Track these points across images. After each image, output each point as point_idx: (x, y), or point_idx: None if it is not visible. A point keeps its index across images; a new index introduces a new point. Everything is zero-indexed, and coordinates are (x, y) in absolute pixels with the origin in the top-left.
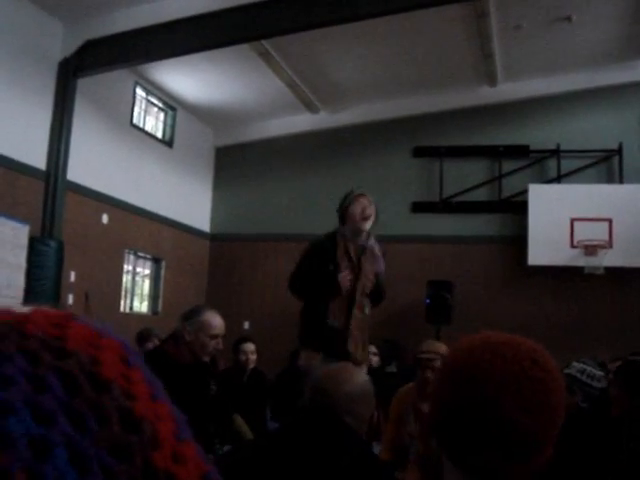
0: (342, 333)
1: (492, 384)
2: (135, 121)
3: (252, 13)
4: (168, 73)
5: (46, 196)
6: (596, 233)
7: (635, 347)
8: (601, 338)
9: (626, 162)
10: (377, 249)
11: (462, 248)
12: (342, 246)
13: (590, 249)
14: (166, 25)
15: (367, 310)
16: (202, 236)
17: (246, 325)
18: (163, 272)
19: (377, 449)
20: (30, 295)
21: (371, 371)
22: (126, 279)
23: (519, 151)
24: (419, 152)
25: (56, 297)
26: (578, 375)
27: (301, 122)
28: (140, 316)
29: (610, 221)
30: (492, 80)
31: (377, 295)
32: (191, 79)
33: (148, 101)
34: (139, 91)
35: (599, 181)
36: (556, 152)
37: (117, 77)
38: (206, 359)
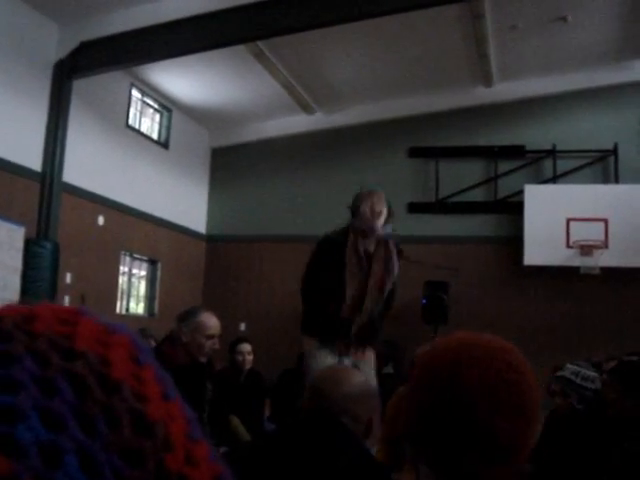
0: (342, 322)
1: (467, 388)
2: (131, 122)
3: (248, 14)
4: (164, 74)
5: (42, 198)
6: (592, 233)
7: (631, 347)
8: (597, 338)
9: (622, 162)
10: (392, 245)
11: (458, 248)
12: (352, 241)
13: (586, 249)
14: (162, 26)
15: (373, 310)
16: (198, 237)
17: (242, 326)
18: (159, 273)
19: (374, 451)
20: (26, 297)
21: None
22: (122, 281)
23: (515, 151)
24: (415, 153)
25: (52, 299)
26: (572, 377)
27: (297, 123)
28: (136, 318)
29: (606, 221)
30: (488, 80)
31: (385, 302)
32: (187, 80)
33: (144, 102)
34: (134, 92)
35: (595, 181)
36: (552, 152)
37: (112, 78)
38: (203, 360)
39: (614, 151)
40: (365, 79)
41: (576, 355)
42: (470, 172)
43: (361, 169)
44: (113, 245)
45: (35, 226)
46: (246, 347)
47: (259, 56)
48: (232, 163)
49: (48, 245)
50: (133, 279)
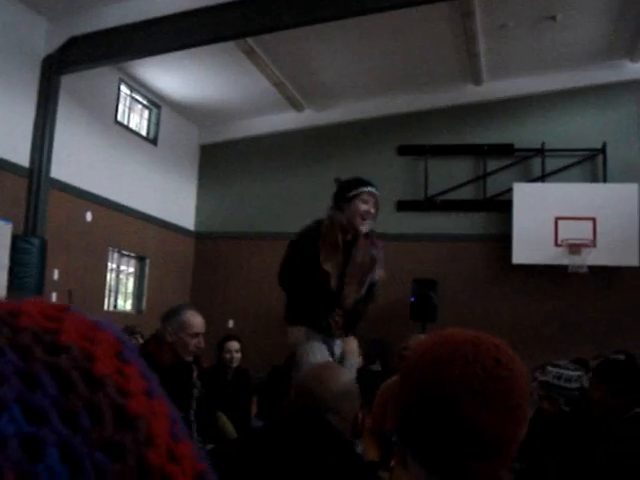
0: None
1: (454, 384)
2: (119, 118)
3: (238, 11)
4: (153, 70)
5: (29, 194)
6: (580, 232)
7: (618, 345)
8: (584, 336)
9: (610, 161)
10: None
11: (447, 246)
12: (329, 227)
13: (574, 248)
14: (151, 22)
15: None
16: (187, 234)
17: (230, 323)
18: (147, 270)
19: (360, 447)
20: (13, 293)
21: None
22: (110, 277)
23: (504, 150)
24: (404, 150)
25: (39, 295)
26: (555, 381)
27: (286, 120)
28: (124, 314)
29: (594, 220)
30: (477, 79)
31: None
32: (176, 77)
33: (132, 98)
34: (123, 88)
35: (583, 180)
36: (540, 151)
37: (101, 74)
38: (189, 358)
39: (602, 150)
40: (355, 76)
41: (564, 353)
42: (459, 170)
43: (350, 167)
44: (101, 241)
45: (22, 222)
46: (234, 345)
47: (249, 53)
48: (221, 160)
49: (35, 241)
50: (121, 276)
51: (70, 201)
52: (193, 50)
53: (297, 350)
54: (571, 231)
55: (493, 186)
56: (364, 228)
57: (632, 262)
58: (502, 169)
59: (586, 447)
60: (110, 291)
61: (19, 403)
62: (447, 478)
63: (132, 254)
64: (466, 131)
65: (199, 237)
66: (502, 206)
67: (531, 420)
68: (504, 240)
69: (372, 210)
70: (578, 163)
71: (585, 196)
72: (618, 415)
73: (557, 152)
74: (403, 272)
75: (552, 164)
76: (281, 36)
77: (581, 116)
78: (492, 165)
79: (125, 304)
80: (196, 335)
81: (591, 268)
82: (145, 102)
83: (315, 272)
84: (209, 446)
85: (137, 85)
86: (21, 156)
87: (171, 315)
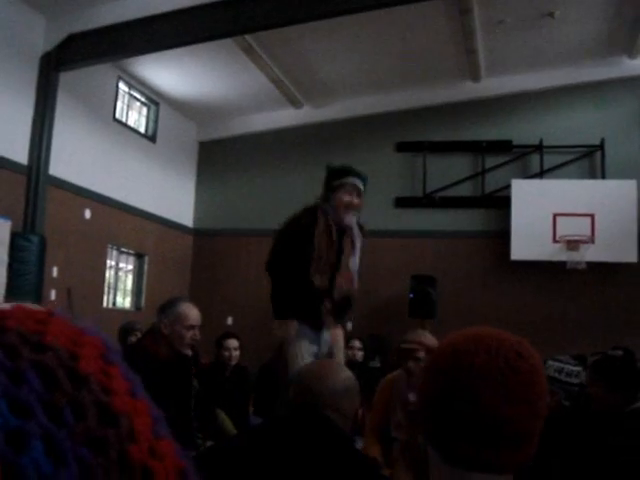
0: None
1: (477, 375)
2: (118, 116)
3: (236, 8)
4: (151, 68)
5: (28, 191)
6: (578, 228)
7: (616, 341)
8: (583, 332)
9: (608, 158)
10: (358, 240)
11: (445, 243)
12: (322, 223)
13: (572, 244)
14: (149, 19)
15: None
16: (185, 231)
17: (229, 320)
18: (146, 267)
19: (360, 444)
20: (12, 291)
21: (355, 366)
22: (109, 274)
23: (502, 146)
24: (402, 147)
25: (38, 293)
26: (556, 375)
27: (285, 117)
28: (123, 312)
29: (592, 216)
30: (475, 75)
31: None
32: (174, 74)
33: (131, 96)
34: (122, 85)
35: (581, 176)
36: (539, 147)
37: (99, 71)
38: (185, 351)
39: (601, 146)
40: (353, 73)
41: (562, 349)
42: (457, 167)
43: (349, 163)
44: (100, 239)
45: (21, 220)
46: (233, 343)
47: (247, 50)
48: (219, 157)
49: (34, 239)
50: (120, 273)
51: (69, 198)
52: (191, 47)
53: (286, 348)
54: (569, 227)
55: (491, 182)
56: (348, 218)
57: (630, 258)
58: (500, 165)
59: (585, 442)
60: (109, 288)
61: (5, 398)
62: (467, 468)
63: (131, 251)
64: (464, 128)
65: (198, 234)
66: (500, 202)
67: None
68: (502, 236)
69: (355, 201)
70: (576, 159)
71: (583, 192)
72: (617, 411)
73: (555, 148)
74: (402, 268)
75: (550, 160)
76: (279, 33)
77: (579, 112)
78: (490, 162)
79: (124, 301)
80: (192, 327)
81: (589, 264)
82: (143, 99)
83: (308, 263)
84: (209, 443)
85: (135, 82)
86: (19, 153)
87: (167, 307)
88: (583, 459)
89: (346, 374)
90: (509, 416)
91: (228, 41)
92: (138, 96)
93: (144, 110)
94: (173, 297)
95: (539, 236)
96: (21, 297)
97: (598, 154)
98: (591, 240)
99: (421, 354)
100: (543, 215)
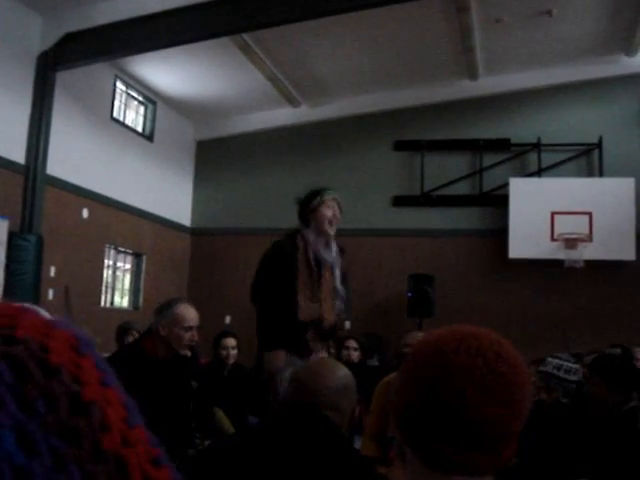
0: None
1: (457, 373)
2: (115, 115)
3: (233, 6)
4: (148, 66)
5: (25, 190)
6: (576, 227)
7: (614, 339)
8: (581, 331)
9: (606, 156)
10: (337, 267)
11: (443, 242)
12: (302, 250)
13: (570, 242)
14: (146, 18)
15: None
16: (183, 230)
17: (227, 320)
18: (144, 267)
19: (358, 443)
20: (9, 291)
21: (353, 365)
22: (107, 274)
23: (500, 145)
24: (400, 146)
25: (36, 292)
26: (555, 372)
27: (282, 116)
28: (121, 311)
29: (590, 214)
30: (473, 74)
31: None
32: (171, 73)
33: (128, 95)
34: (119, 85)
35: (579, 175)
36: (537, 146)
37: (97, 70)
38: (183, 352)
39: (599, 145)
40: (351, 72)
41: (560, 347)
42: (455, 165)
43: (346, 162)
44: (97, 238)
45: (19, 219)
46: (231, 341)
47: (244, 48)
48: (217, 156)
49: (32, 238)
50: (118, 272)
51: (66, 198)
52: (189, 46)
53: (277, 377)
54: (567, 226)
55: (489, 181)
56: (332, 231)
57: (628, 256)
58: (498, 164)
59: (583, 440)
60: (107, 288)
61: None
62: (446, 471)
63: (128, 250)
64: (462, 126)
65: (195, 233)
66: (498, 201)
67: (530, 412)
68: (500, 235)
69: (337, 214)
70: (574, 158)
71: (581, 191)
72: (614, 409)
73: (553, 147)
74: (400, 267)
75: (548, 159)
76: (276, 32)
77: (577, 111)
78: (488, 160)
79: (122, 301)
80: (190, 328)
81: (587, 262)
82: (141, 98)
83: (291, 292)
84: (206, 442)
85: (132, 81)
86: (17, 153)
87: (164, 309)
88: (582, 456)
89: (343, 372)
90: (489, 417)
91: (225, 40)
92: (135, 95)
93: (141, 109)
94: (170, 298)
95: (537, 234)
96: (18, 297)
97: (596, 152)
98: (589, 238)
99: None
100: (541, 213)
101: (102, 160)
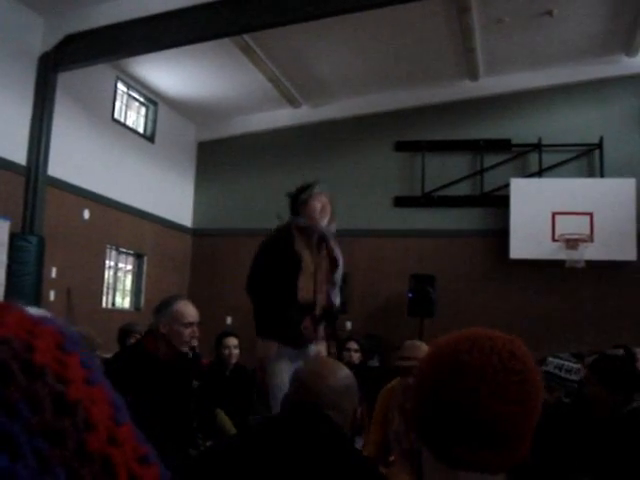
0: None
1: (472, 372)
2: (116, 116)
3: (233, 7)
4: (149, 68)
5: (26, 191)
6: (577, 227)
7: (615, 340)
8: (582, 331)
9: (607, 156)
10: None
11: (444, 242)
12: (299, 236)
13: (571, 243)
14: (147, 19)
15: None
16: (184, 231)
17: (229, 320)
18: (145, 267)
19: (360, 443)
20: (11, 292)
21: (353, 367)
22: (108, 275)
23: (501, 145)
24: (401, 146)
25: (37, 293)
26: (556, 372)
27: (283, 116)
28: (122, 312)
29: (591, 215)
30: (474, 74)
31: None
32: (172, 74)
33: (129, 96)
34: (120, 86)
35: (580, 175)
36: (537, 146)
37: (98, 72)
38: (185, 349)
39: (599, 145)
40: (351, 72)
41: (562, 348)
42: (456, 166)
43: (347, 163)
44: (99, 239)
45: (20, 220)
46: (232, 341)
47: (245, 49)
48: (218, 157)
49: (33, 239)
50: (119, 273)
51: (68, 199)
52: (189, 47)
53: (266, 367)
54: (568, 226)
55: (490, 181)
56: (324, 222)
57: (629, 257)
58: (499, 164)
59: (585, 440)
60: (108, 289)
61: None
62: (461, 468)
63: (130, 251)
64: (463, 127)
65: (197, 234)
66: (499, 201)
67: None
68: (501, 235)
69: (327, 206)
70: (575, 158)
71: (582, 191)
72: (616, 410)
73: (554, 147)
74: (401, 268)
75: (549, 159)
76: (277, 32)
77: (578, 111)
78: (489, 160)
79: (123, 302)
80: (190, 324)
81: (588, 263)
82: (142, 99)
83: (290, 279)
84: (209, 442)
85: (134, 82)
86: (18, 154)
87: (163, 307)
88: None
89: (345, 372)
90: (503, 415)
91: (226, 41)
92: (136, 96)
93: (142, 110)
94: (168, 296)
95: (538, 235)
96: (20, 298)
97: (597, 152)
98: (590, 239)
99: None
100: (542, 214)
101: (103, 161)
